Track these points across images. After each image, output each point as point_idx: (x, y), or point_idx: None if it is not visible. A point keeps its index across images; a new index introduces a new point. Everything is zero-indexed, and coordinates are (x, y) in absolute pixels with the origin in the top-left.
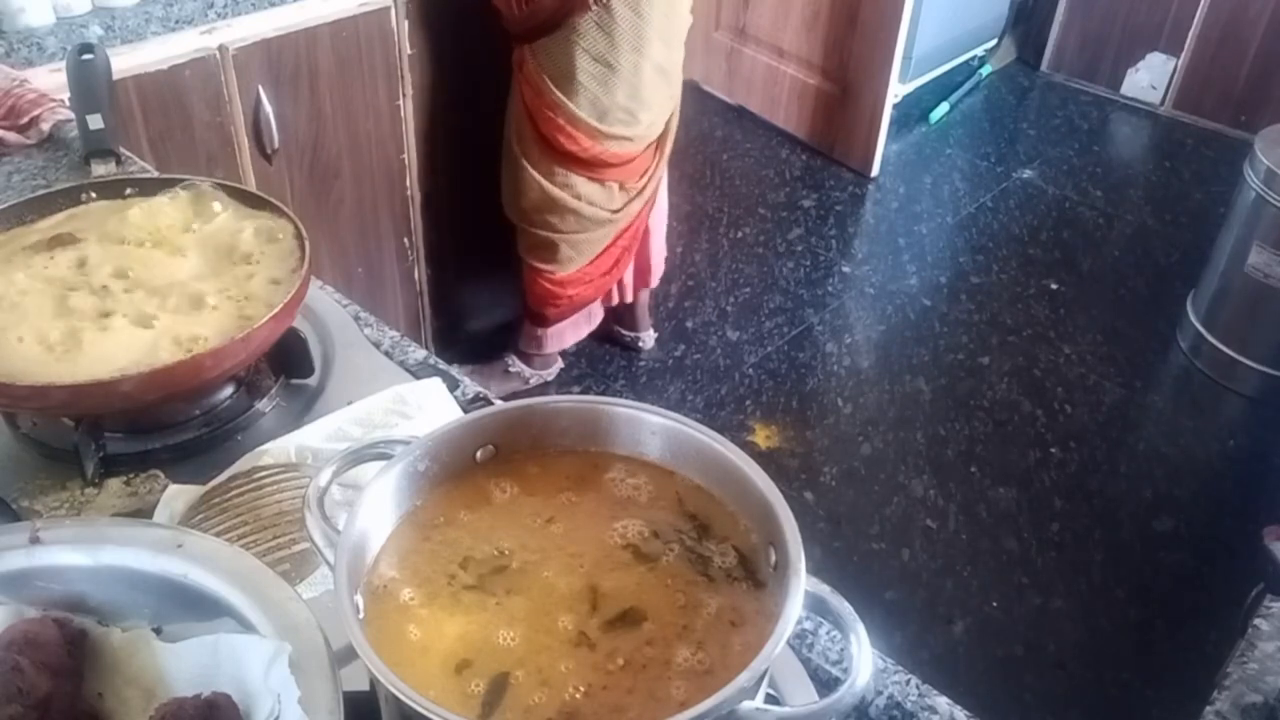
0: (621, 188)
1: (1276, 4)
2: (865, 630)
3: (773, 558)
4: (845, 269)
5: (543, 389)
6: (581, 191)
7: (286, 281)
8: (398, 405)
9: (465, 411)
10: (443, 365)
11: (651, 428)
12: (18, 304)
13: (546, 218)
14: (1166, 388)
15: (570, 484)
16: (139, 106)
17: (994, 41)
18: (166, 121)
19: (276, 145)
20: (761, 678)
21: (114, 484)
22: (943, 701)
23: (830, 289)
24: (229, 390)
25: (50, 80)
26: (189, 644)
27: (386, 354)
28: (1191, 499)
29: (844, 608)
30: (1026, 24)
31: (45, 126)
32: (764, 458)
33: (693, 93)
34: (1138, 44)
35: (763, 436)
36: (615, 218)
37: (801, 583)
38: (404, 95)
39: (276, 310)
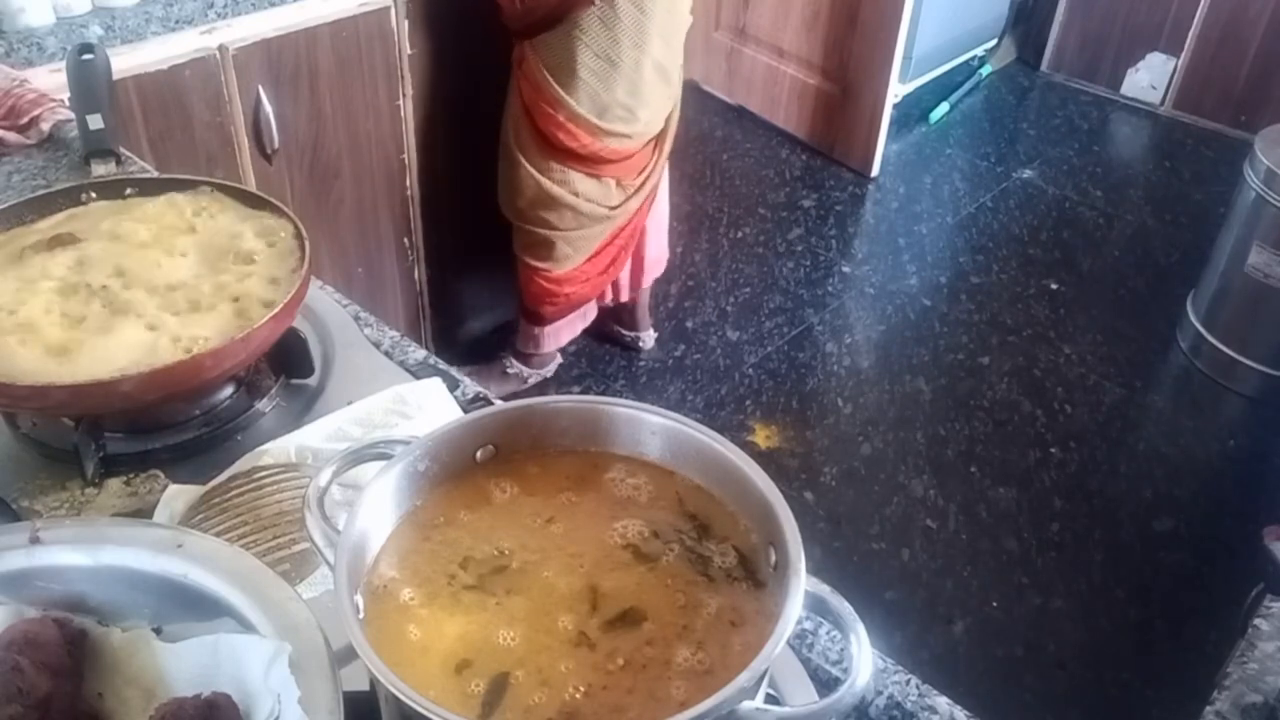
0: (619, 184)
1: (1276, 4)
2: (865, 630)
3: (773, 558)
4: (845, 269)
5: (542, 387)
6: (579, 188)
7: (286, 281)
8: (398, 405)
9: (465, 411)
10: (443, 365)
11: (651, 428)
12: (18, 304)
13: (543, 215)
14: (1166, 388)
15: (570, 484)
16: (139, 106)
17: (994, 41)
18: (166, 121)
19: (276, 145)
20: (761, 678)
21: (114, 484)
22: (943, 701)
23: (830, 289)
24: (229, 390)
25: (50, 80)
26: (189, 644)
27: (386, 354)
28: (1191, 499)
29: (844, 608)
30: (1026, 24)
31: (45, 126)
32: (764, 458)
33: (693, 93)
34: (1138, 44)
35: (763, 436)
36: (613, 214)
37: (801, 583)
38: (404, 95)
39: (276, 310)
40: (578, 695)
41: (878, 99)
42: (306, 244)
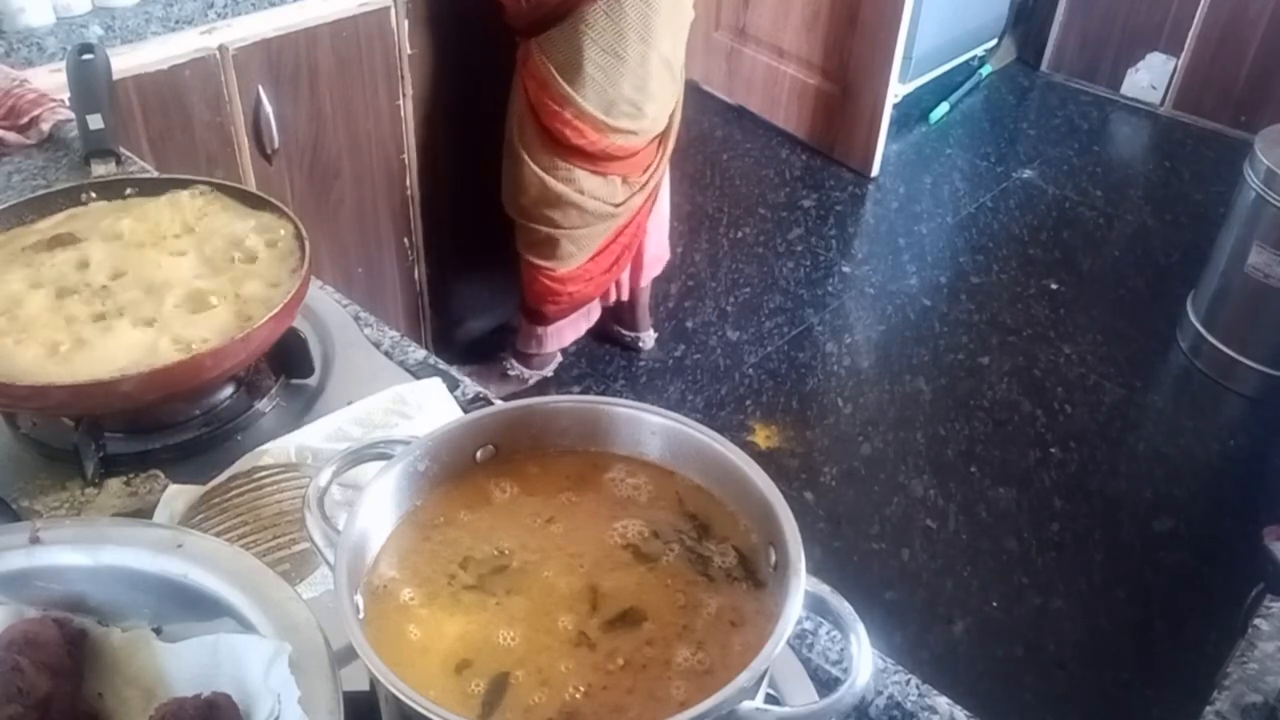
0: (624, 182)
1: (1276, 4)
2: (865, 630)
3: (773, 558)
4: (845, 269)
5: (542, 387)
6: (584, 186)
7: (286, 282)
8: (398, 405)
9: (465, 411)
10: (443, 365)
11: (651, 428)
12: (18, 304)
13: (547, 213)
14: (1166, 388)
15: (570, 484)
16: (139, 106)
17: (994, 41)
18: (166, 121)
19: (276, 145)
20: (761, 678)
21: (114, 484)
22: (943, 701)
23: (830, 289)
24: (229, 390)
25: (50, 80)
26: (189, 644)
27: (386, 354)
28: (1191, 499)
29: (844, 608)
30: (1026, 24)
31: (45, 126)
32: (764, 458)
33: (693, 93)
34: (1138, 44)
35: (763, 436)
36: (617, 211)
37: (801, 583)
38: (404, 95)
39: (276, 310)
40: (578, 695)
41: (878, 99)
42: (306, 244)
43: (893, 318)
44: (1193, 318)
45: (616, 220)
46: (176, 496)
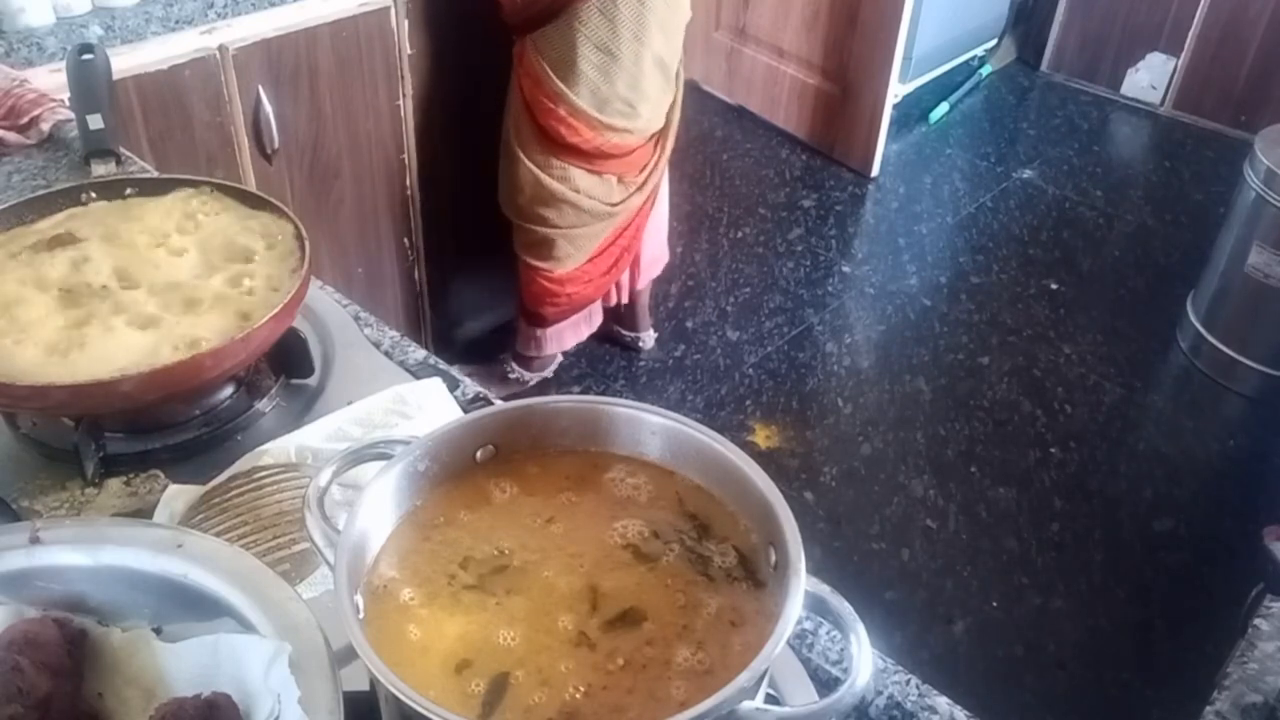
0: (620, 181)
1: (1276, 4)
2: (865, 630)
3: (773, 558)
4: (845, 269)
5: (542, 387)
6: (580, 184)
7: (286, 282)
8: (398, 405)
9: (465, 411)
10: (443, 365)
11: (651, 428)
12: (18, 304)
13: (543, 212)
14: (1166, 388)
15: (570, 484)
16: (139, 106)
17: (994, 41)
18: (166, 121)
19: (276, 145)
20: (761, 678)
21: (114, 484)
22: (943, 701)
23: (830, 289)
24: (229, 390)
25: (50, 80)
26: (189, 644)
27: (386, 354)
28: (1191, 499)
29: (844, 608)
30: (1026, 24)
31: (45, 126)
32: (764, 458)
33: (693, 93)
34: (1138, 44)
35: (763, 436)
36: (613, 211)
37: (801, 583)
38: (404, 95)
39: (276, 310)
40: (578, 695)
41: (878, 99)
42: (306, 244)
43: (893, 318)
44: (1193, 318)
45: (614, 220)
46: (176, 496)
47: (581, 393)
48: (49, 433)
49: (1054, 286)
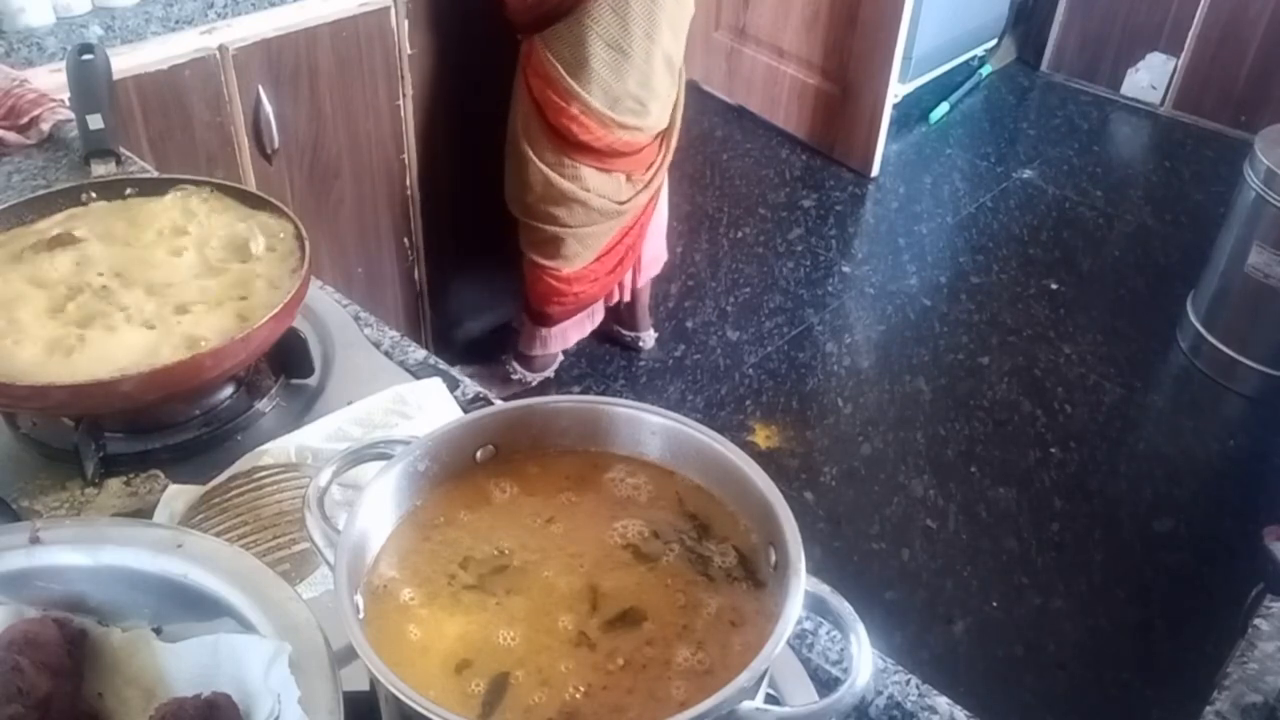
0: (629, 179)
1: (1277, 4)
2: (865, 630)
3: (773, 558)
4: (845, 269)
5: (543, 387)
6: (590, 183)
7: (286, 281)
8: (398, 405)
9: (465, 411)
10: (443, 365)
11: (651, 428)
12: (18, 304)
13: (553, 211)
14: (1166, 388)
15: (570, 484)
16: (139, 106)
17: (994, 41)
18: (166, 121)
19: (276, 145)
20: (761, 678)
21: (114, 484)
22: (943, 701)
23: (830, 289)
24: (229, 390)
25: (50, 80)
26: (189, 644)
27: (386, 354)
28: (1191, 499)
29: (844, 608)
30: (1026, 24)
31: (45, 126)
32: (764, 458)
33: (693, 93)
34: (1138, 44)
35: (763, 436)
36: (622, 209)
37: (801, 583)
38: (404, 95)
39: (276, 310)
40: (578, 695)
41: (878, 99)
42: (306, 244)
43: (893, 318)
44: (1193, 318)
45: (622, 218)
46: (176, 496)
47: (581, 393)
48: (49, 433)
49: (1054, 286)
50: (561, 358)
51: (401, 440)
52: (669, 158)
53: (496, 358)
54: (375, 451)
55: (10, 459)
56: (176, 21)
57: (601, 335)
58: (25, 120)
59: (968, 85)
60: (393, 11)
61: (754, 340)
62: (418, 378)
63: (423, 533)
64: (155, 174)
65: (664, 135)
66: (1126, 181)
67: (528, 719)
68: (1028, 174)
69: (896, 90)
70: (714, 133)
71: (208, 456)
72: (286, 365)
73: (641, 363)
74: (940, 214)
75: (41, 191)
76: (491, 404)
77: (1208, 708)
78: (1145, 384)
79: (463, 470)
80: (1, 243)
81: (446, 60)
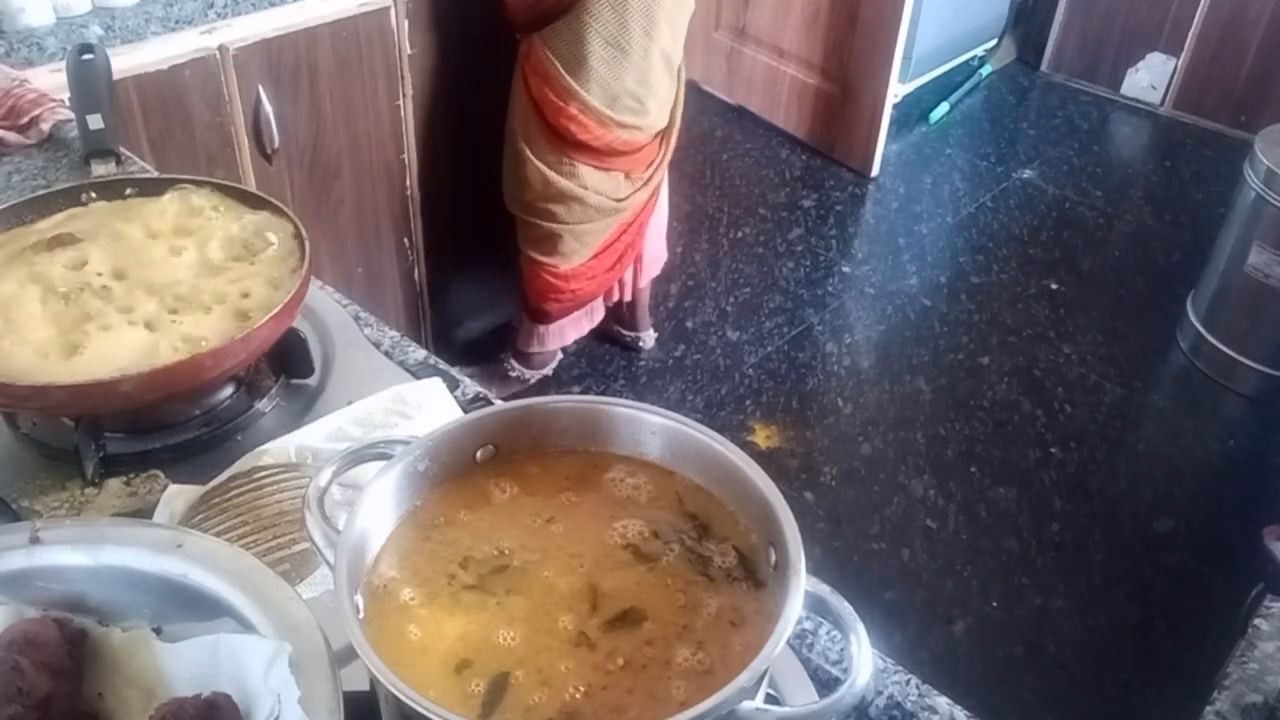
0: (627, 177)
1: (1277, 4)
2: (865, 630)
3: (773, 558)
4: (845, 269)
5: (542, 387)
6: (588, 181)
7: (286, 282)
8: (398, 405)
9: (465, 411)
10: (443, 365)
11: (651, 428)
12: (18, 304)
13: (551, 208)
14: (1166, 388)
15: (570, 484)
16: (139, 106)
17: (994, 41)
18: (166, 121)
19: (276, 145)
20: (761, 678)
21: (114, 484)
22: (943, 701)
23: (830, 289)
24: (229, 390)
25: (50, 80)
26: (189, 644)
27: (386, 354)
28: (1191, 499)
29: (844, 608)
30: (1026, 24)
31: (45, 126)
32: (764, 458)
33: (693, 93)
34: (1138, 44)
35: (763, 436)
36: (620, 207)
37: (801, 583)
38: (404, 95)
39: (276, 310)
40: (578, 695)
41: (878, 99)
42: (306, 244)
43: (893, 318)
44: (1193, 318)
45: (620, 216)
46: (176, 496)
47: (581, 393)
48: (49, 433)
49: (1054, 286)
50: (561, 357)
51: (401, 440)
52: (668, 156)
53: (496, 357)
54: (375, 451)
55: (10, 459)
56: (176, 21)
57: (601, 335)
58: (25, 120)
59: (968, 85)
60: (393, 11)
61: (754, 340)
62: (418, 378)
63: (423, 533)
64: (155, 174)
65: (664, 134)
66: (1126, 181)
67: (528, 719)
68: (1028, 174)
69: (896, 90)
70: (714, 133)
71: (208, 456)
72: (286, 365)
73: (641, 363)
74: (940, 214)
75: (41, 191)
76: (491, 404)
77: (1208, 708)
78: (1145, 384)
79: (463, 470)
80: (1, 243)
81: (447, 60)
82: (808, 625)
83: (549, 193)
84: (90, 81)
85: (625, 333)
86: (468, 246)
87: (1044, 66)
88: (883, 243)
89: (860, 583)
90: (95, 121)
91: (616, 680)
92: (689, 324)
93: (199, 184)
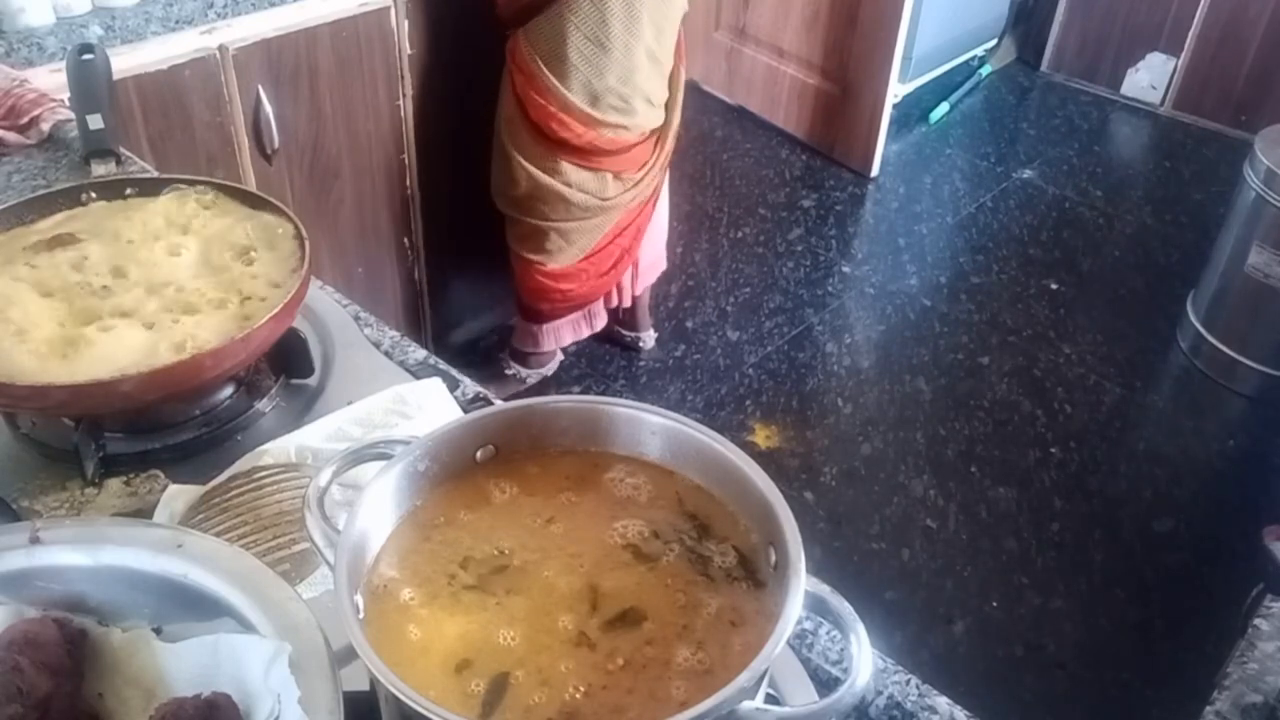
0: (616, 177)
1: (1277, 4)
2: (865, 630)
3: (773, 558)
4: (845, 269)
5: (542, 387)
6: (573, 179)
7: (286, 282)
8: (398, 405)
9: (465, 411)
10: (443, 365)
11: (651, 428)
12: (18, 304)
13: (537, 205)
14: (1166, 388)
15: (570, 484)
16: (139, 106)
17: (994, 41)
18: (166, 121)
19: (276, 145)
20: (761, 678)
21: (114, 484)
22: (943, 701)
23: (830, 289)
24: (229, 390)
25: (50, 80)
26: (189, 644)
27: (386, 354)
28: (1191, 499)
29: (844, 608)
30: (1026, 24)
31: (45, 126)
32: (764, 458)
33: (693, 93)
34: (1138, 44)
35: (763, 436)
36: (607, 205)
37: (801, 583)
38: (404, 95)
39: (276, 310)
40: (578, 695)
41: (878, 99)
42: (306, 244)
43: (893, 318)
44: (1193, 318)
45: (609, 216)
46: (176, 496)
47: (581, 393)
48: (49, 433)
49: (1054, 286)
50: (560, 358)
51: (401, 440)
52: (664, 159)
53: (496, 358)
54: (375, 451)
55: (10, 459)
56: (176, 21)
57: (601, 335)
58: (25, 120)
59: (968, 85)
60: (393, 11)
61: (754, 340)
62: (418, 378)
63: (423, 533)
64: (155, 174)
65: (659, 136)
66: (1126, 181)
67: (528, 719)
68: (1028, 174)
69: (896, 90)
70: (714, 133)
71: (208, 456)
72: (286, 365)
73: (641, 363)
74: (940, 214)
75: (41, 191)
76: (491, 404)
77: (1208, 708)
78: (1145, 384)
79: (463, 470)
80: (1, 243)
81: (446, 60)
82: (808, 625)
83: (534, 190)
84: (90, 81)
85: (625, 333)
86: (468, 246)
87: (1044, 66)
88: (883, 243)
89: (860, 583)
90: (95, 121)
91: (616, 680)
92: (689, 324)
93: (199, 184)
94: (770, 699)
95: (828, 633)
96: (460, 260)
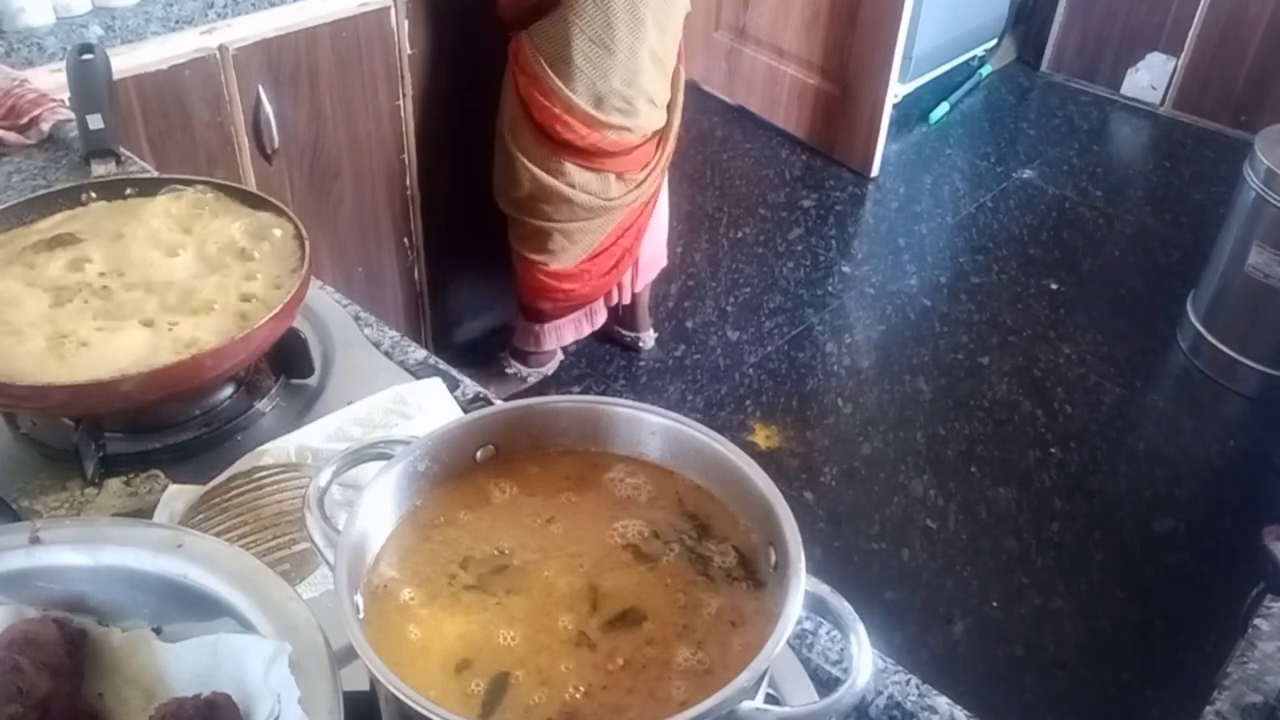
0: (619, 178)
1: (1277, 4)
2: (865, 630)
3: (773, 558)
4: (845, 269)
5: (542, 387)
6: (576, 180)
7: (286, 281)
8: (398, 405)
9: (465, 411)
10: (443, 365)
11: (651, 428)
12: (17, 304)
13: (540, 206)
14: (1166, 388)
15: (570, 484)
16: (139, 106)
17: (994, 41)
18: (166, 121)
19: (276, 145)
20: (761, 678)
21: (114, 484)
22: (943, 701)
23: (830, 289)
24: (229, 390)
25: (50, 80)
26: (189, 644)
27: (386, 354)
28: (1191, 499)
29: (844, 608)
30: (1026, 24)
31: (45, 126)
32: (764, 458)
33: (693, 93)
34: (1138, 44)
35: (763, 436)
36: (610, 206)
37: (801, 583)
38: (404, 95)
39: (276, 310)
40: (578, 695)
41: (878, 99)
42: (306, 244)
43: (893, 318)
44: (1193, 318)
45: (612, 217)
46: (176, 496)
47: (581, 393)
48: (49, 433)
49: (1054, 286)
50: (561, 357)
51: (401, 440)
52: (666, 160)
53: (496, 358)
54: (375, 451)
55: (10, 459)
56: (176, 21)
57: (601, 335)
58: (25, 120)
59: (968, 85)
60: (393, 11)
61: (754, 340)
62: (418, 378)
63: (423, 533)
64: (155, 174)
65: (661, 136)
66: (1126, 181)
67: (528, 719)
68: (1028, 174)
69: (896, 90)
70: (714, 133)
71: (208, 456)
72: (286, 365)
73: (641, 363)
74: (940, 214)
75: (41, 191)
76: (491, 404)
77: (1208, 708)
78: (1145, 384)
79: (463, 470)
80: (1, 243)
81: (447, 60)
82: (808, 625)
83: (537, 191)
84: (90, 81)
85: (625, 333)
86: (468, 246)
87: (1044, 66)
88: (883, 243)
89: (860, 583)
90: (95, 121)
91: (616, 680)
92: (689, 324)
93: (199, 184)
94: (770, 699)
95: (828, 633)
96: (460, 260)
